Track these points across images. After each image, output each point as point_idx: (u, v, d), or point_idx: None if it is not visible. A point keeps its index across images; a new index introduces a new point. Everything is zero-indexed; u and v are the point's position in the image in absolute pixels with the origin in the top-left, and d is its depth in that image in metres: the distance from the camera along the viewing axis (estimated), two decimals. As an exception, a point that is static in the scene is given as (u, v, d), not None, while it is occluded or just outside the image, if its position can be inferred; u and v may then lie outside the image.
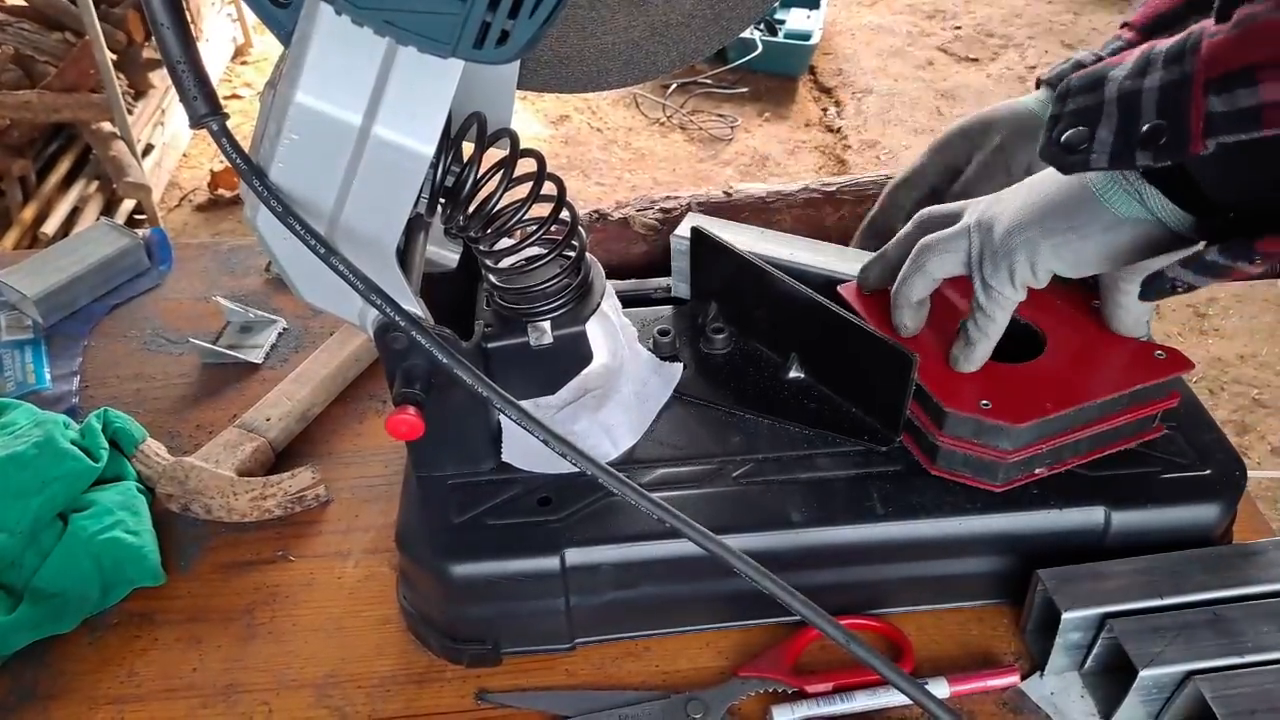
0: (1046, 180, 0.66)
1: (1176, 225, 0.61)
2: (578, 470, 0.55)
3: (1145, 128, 0.55)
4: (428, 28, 0.47)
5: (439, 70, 0.52)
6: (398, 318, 0.54)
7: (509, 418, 0.56)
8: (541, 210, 0.64)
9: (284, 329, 1.01)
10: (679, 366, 0.79)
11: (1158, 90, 0.55)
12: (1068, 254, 0.64)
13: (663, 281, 0.92)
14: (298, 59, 0.52)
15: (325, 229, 0.57)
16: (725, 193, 1.03)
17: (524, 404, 0.70)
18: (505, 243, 0.64)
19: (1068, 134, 0.59)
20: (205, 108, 0.51)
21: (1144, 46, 0.57)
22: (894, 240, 0.76)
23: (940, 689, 0.67)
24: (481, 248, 0.64)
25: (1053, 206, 0.64)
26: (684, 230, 0.85)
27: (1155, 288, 0.61)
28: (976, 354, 0.70)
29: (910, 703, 0.67)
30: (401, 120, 0.53)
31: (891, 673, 0.55)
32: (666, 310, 0.86)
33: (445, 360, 0.55)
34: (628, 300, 0.85)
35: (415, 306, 0.62)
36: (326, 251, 0.52)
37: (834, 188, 1.03)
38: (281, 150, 0.53)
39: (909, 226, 0.75)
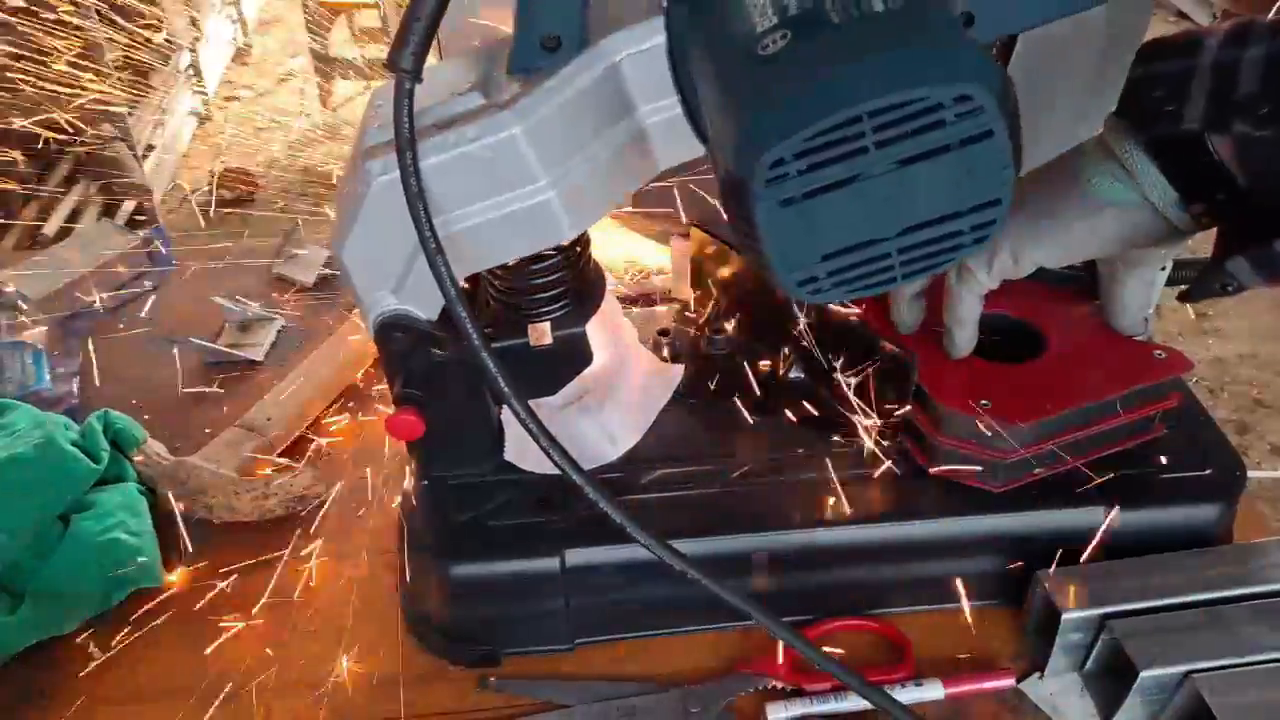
0: (1035, 173, 0.66)
1: (1162, 206, 0.60)
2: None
3: (1244, 94, 0.54)
4: (784, 257, 0.47)
5: (626, 184, 0.58)
6: (477, 342, 0.53)
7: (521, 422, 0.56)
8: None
9: (283, 326, 1.01)
10: (679, 368, 0.79)
11: (1262, 61, 0.54)
12: (1050, 243, 0.64)
13: (663, 281, 0.92)
14: (537, 102, 0.53)
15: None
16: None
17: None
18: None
19: (1156, 93, 0.58)
20: (411, 64, 0.50)
21: (1232, 21, 0.57)
22: None
23: (935, 691, 0.67)
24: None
25: (1038, 195, 0.64)
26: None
27: (1205, 288, 0.60)
28: (956, 342, 0.70)
29: (908, 703, 0.67)
30: (573, 201, 0.56)
31: (849, 677, 0.57)
32: (666, 310, 0.86)
33: (491, 367, 0.54)
34: (628, 300, 0.85)
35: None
36: (436, 249, 0.52)
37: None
38: (462, 151, 0.54)
39: None
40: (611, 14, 0.53)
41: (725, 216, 0.49)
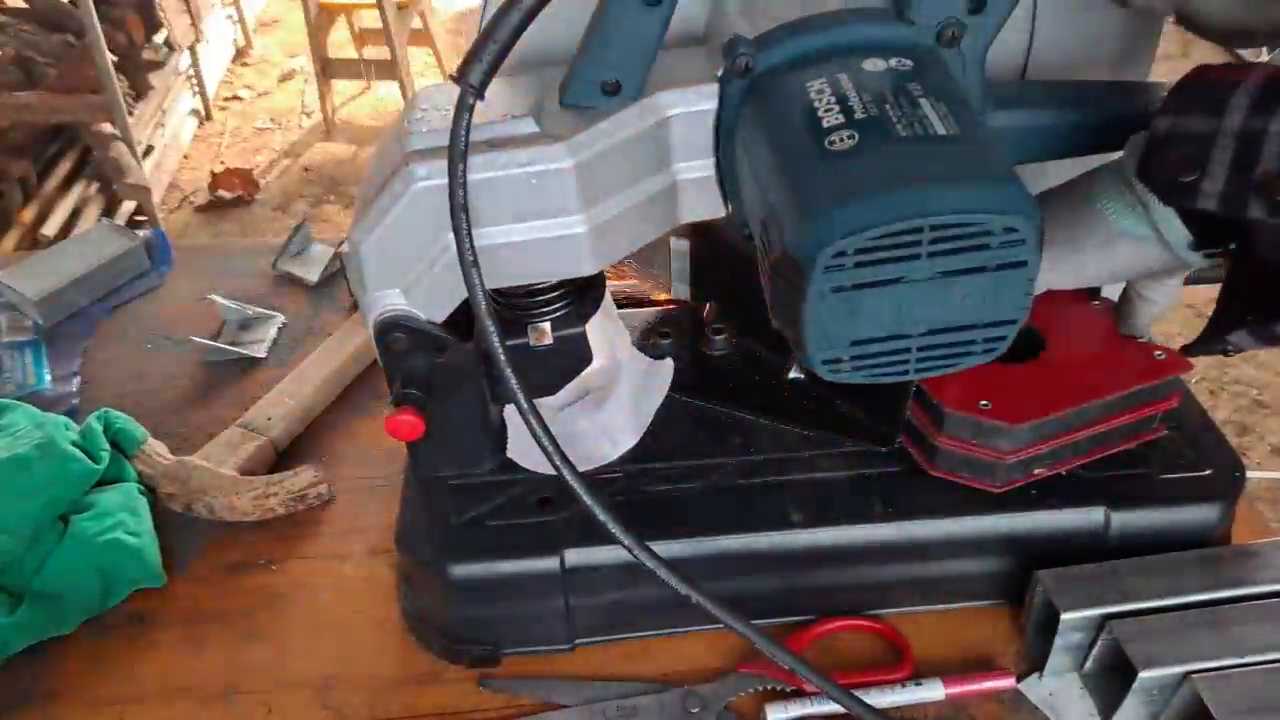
0: (1048, 195, 0.65)
1: (1175, 243, 0.60)
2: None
3: (1263, 172, 0.52)
4: (816, 337, 0.51)
5: (650, 231, 0.61)
6: (491, 327, 0.55)
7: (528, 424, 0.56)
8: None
9: (284, 325, 1.01)
10: (670, 363, 0.79)
11: None
12: (1061, 268, 0.64)
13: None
14: (589, 141, 0.56)
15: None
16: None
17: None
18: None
19: (1177, 154, 0.55)
20: (478, 80, 0.52)
21: (1274, 68, 0.54)
22: None
23: (934, 691, 0.67)
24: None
25: (1051, 220, 0.64)
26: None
27: (1206, 349, 0.60)
28: None
29: (905, 703, 0.67)
30: (600, 238, 0.59)
31: (824, 683, 0.58)
32: (666, 310, 0.86)
33: (505, 370, 0.55)
34: (628, 300, 0.85)
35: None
36: (474, 260, 0.53)
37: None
38: (513, 173, 0.56)
39: None
40: (669, 70, 0.58)
41: (766, 295, 0.53)
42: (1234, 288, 0.59)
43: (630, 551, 0.56)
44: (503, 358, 0.54)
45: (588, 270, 0.60)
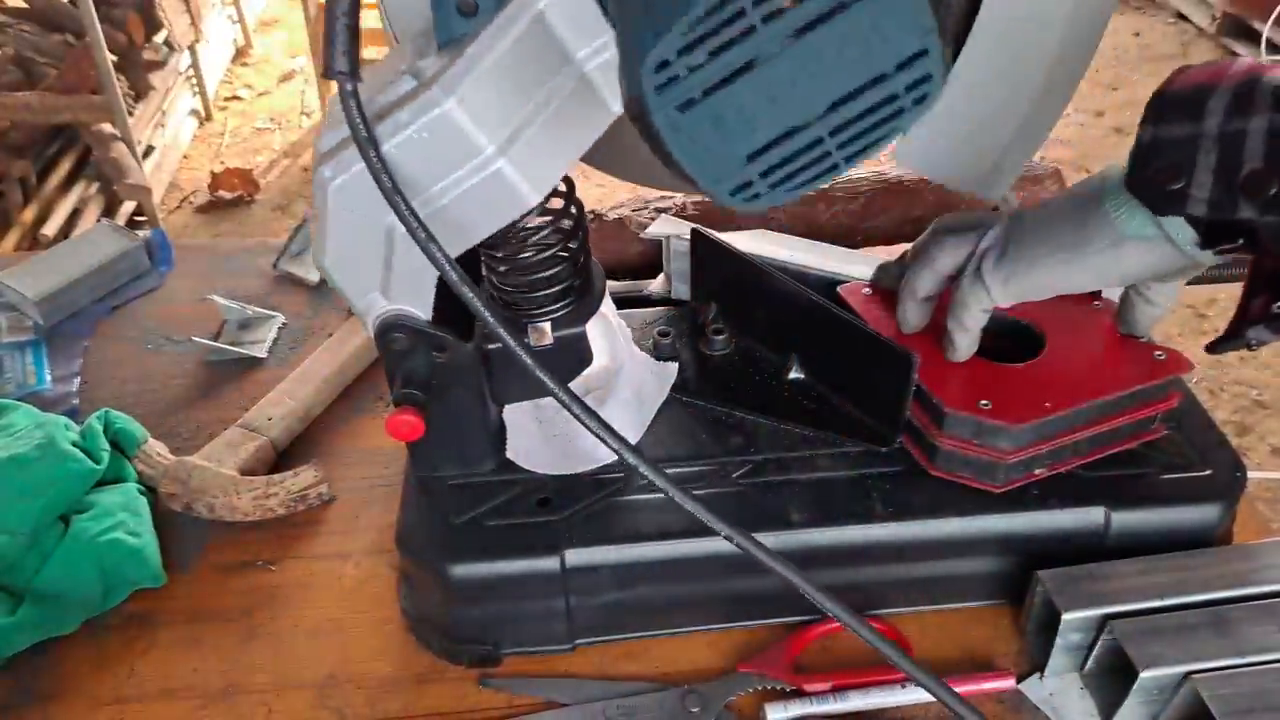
0: (1063, 197, 0.65)
1: (1183, 243, 0.60)
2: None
3: (1249, 173, 0.52)
4: (704, 167, 0.46)
5: (582, 137, 0.54)
6: (490, 317, 0.53)
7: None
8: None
9: (283, 324, 1.01)
10: (674, 366, 0.79)
11: (1264, 134, 0.51)
12: (1070, 270, 0.64)
13: (662, 281, 0.92)
14: (463, 70, 0.52)
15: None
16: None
17: (524, 405, 0.72)
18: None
19: (1162, 164, 0.55)
20: (346, 65, 0.50)
21: (1248, 65, 0.54)
22: (912, 246, 0.76)
23: (937, 690, 0.67)
24: (483, 246, 0.64)
25: (1059, 224, 0.64)
26: (655, 231, 0.84)
27: (1228, 346, 0.60)
28: (956, 346, 0.70)
29: (904, 703, 0.67)
30: (528, 165, 0.54)
31: (918, 672, 0.54)
32: (666, 310, 0.86)
33: (528, 361, 0.55)
34: (628, 301, 0.85)
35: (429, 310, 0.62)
36: (427, 236, 0.51)
37: (827, 184, 1.04)
38: (404, 137, 0.53)
39: (925, 233, 0.75)
40: None
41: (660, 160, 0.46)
42: (1252, 284, 0.59)
43: (732, 541, 0.54)
44: (489, 317, 0.52)
45: (534, 201, 0.55)
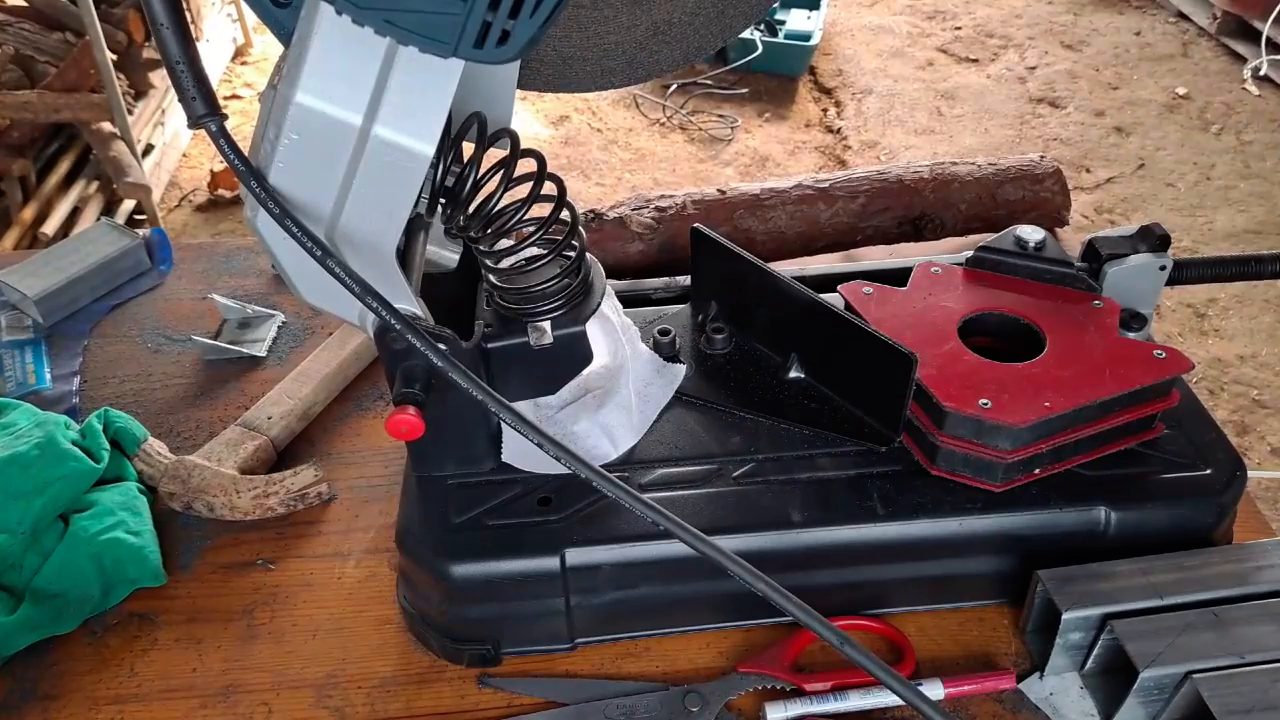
0: None
1: None
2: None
3: None
4: (428, 27, 0.48)
5: (439, 70, 0.52)
6: (392, 319, 0.54)
7: (504, 421, 0.56)
8: (542, 210, 0.64)
9: (283, 323, 1.01)
10: (681, 368, 0.79)
11: None
12: None
13: (662, 281, 0.92)
14: (298, 59, 0.52)
15: (324, 230, 0.57)
16: (720, 190, 1.03)
17: (524, 404, 0.71)
18: (505, 243, 0.64)
19: None
20: (204, 108, 0.51)
21: None
22: None
23: (934, 690, 0.67)
24: (481, 248, 0.64)
25: None
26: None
27: None
28: None
29: (903, 703, 0.67)
30: (402, 120, 0.54)
31: (886, 675, 0.55)
32: (666, 310, 0.86)
33: (440, 363, 0.55)
34: (628, 300, 0.85)
35: (415, 307, 0.62)
36: (323, 254, 0.53)
37: (827, 184, 1.04)
38: (281, 151, 0.53)
39: None
40: None
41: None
42: None
43: (687, 543, 0.55)
44: (417, 339, 0.53)
45: (430, 152, 0.55)
